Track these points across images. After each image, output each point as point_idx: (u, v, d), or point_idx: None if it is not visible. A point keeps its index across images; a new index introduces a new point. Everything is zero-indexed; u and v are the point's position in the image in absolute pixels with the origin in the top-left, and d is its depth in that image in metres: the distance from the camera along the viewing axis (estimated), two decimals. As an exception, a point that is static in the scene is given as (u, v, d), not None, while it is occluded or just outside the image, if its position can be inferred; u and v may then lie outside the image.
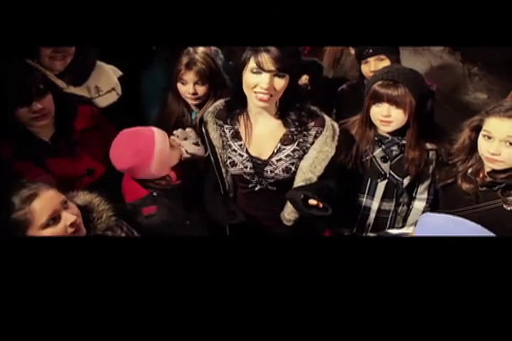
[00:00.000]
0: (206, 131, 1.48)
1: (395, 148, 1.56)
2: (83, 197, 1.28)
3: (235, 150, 1.46)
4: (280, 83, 1.28)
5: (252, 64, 1.27)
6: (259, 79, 1.27)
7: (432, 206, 1.61)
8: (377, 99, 1.49)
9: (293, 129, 1.40)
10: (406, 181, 1.58)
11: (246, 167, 1.44)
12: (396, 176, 1.58)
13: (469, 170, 1.45)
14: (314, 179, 1.40)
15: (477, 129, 1.40)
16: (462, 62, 3.31)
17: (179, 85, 1.81)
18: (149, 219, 1.46)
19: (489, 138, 1.34)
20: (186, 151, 1.66)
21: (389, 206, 1.63)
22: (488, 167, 1.39)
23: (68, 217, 1.13)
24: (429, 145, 1.54)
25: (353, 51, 2.20)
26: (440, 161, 1.54)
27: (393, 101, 1.46)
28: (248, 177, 1.46)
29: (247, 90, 1.32)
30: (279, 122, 1.42)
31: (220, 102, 1.49)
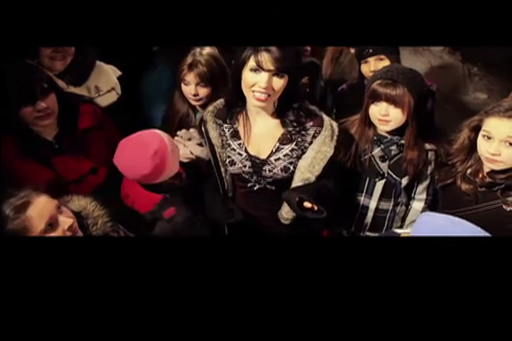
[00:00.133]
0: (206, 130, 1.48)
1: (393, 147, 1.57)
2: (77, 202, 1.24)
3: (234, 149, 1.46)
4: (279, 83, 1.29)
5: (251, 63, 1.27)
6: (258, 78, 1.27)
7: (431, 207, 1.61)
8: (376, 97, 1.49)
9: (291, 129, 1.40)
10: (404, 181, 1.58)
11: (245, 166, 1.44)
12: (394, 176, 1.58)
13: (468, 171, 1.45)
14: (312, 179, 1.40)
15: (476, 129, 1.39)
16: (462, 62, 3.31)
17: (182, 85, 1.81)
18: (172, 221, 1.47)
19: (489, 138, 1.34)
20: (191, 152, 1.65)
21: (387, 205, 1.63)
22: (488, 167, 1.39)
23: (65, 221, 1.11)
24: (428, 146, 1.54)
25: (352, 50, 2.20)
26: (439, 162, 1.54)
27: (392, 101, 1.46)
28: (247, 177, 1.46)
29: (245, 89, 1.32)
30: (277, 122, 1.42)
31: (219, 101, 1.50)
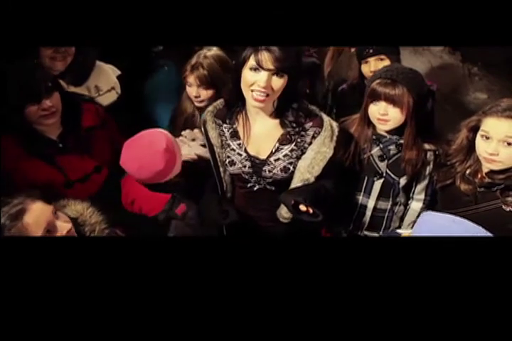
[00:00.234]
0: (205, 130, 1.48)
1: (392, 147, 1.57)
2: (74, 207, 1.23)
3: (233, 150, 1.46)
4: (278, 83, 1.28)
5: (251, 62, 1.27)
6: (258, 78, 1.27)
7: (429, 207, 1.61)
8: (375, 97, 1.49)
9: (290, 130, 1.40)
10: (403, 181, 1.59)
11: (245, 166, 1.44)
12: (393, 175, 1.59)
13: (467, 171, 1.44)
14: (312, 179, 1.40)
15: (475, 129, 1.39)
16: (462, 62, 3.30)
17: (186, 86, 1.81)
18: (186, 217, 1.48)
19: (487, 138, 1.34)
20: (195, 153, 1.65)
21: (385, 205, 1.63)
22: (487, 167, 1.39)
23: (63, 226, 1.11)
24: (427, 146, 1.54)
25: (352, 50, 2.20)
26: (438, 162, 1.54)
27: (391, 100, 1.47)
28: (247, 177, 1.46)
29: (244, 88, 1.32)
30: (276, 122, 1.42)
31: (219, 101, 1.50)
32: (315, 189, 1.37)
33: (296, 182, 1.41)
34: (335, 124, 1.41)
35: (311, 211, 1.31)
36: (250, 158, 1.44)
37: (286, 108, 1.39)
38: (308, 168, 1.39)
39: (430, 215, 1.16)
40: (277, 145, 1.41)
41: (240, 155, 1.44)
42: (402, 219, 1.67)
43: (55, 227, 1.10)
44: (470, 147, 1.42)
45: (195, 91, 1.79)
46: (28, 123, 1.47)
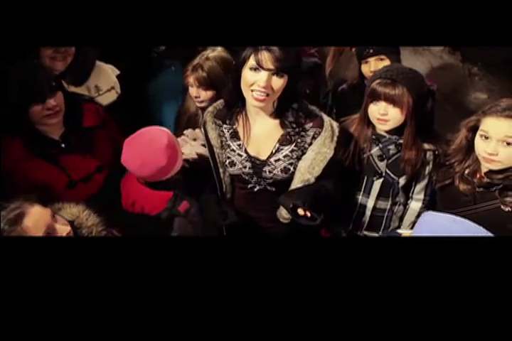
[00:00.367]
0: (205, 130, 1.48)
1: (392, 147, 1.57)
2: (69, 210, 1.22)
3: (233, 150, 1.45)
4: (278, 83, 1.28)
5: (251, 61, 1.26)
6: (258, 77, 1.27)
7: (428, 207, 1.61)
8: (375, 97, 1.49)
9: (290, 130, 1.40)
10: (402, 181, 1.59)
11: (245, 167, 1.44)
12: (392, 175, 1.59)
13: (466, 171, 1.44)
14: (312, 180, 1.40)
15: (474, 129, 1.39)
16: (462, 62, 3.31)
17: (188, 86, 1.82)
18: (188, 214, 1.48)
19: (486, 138, 1.34)
20: (196, 152, 1.65)
21: (384, 205, 1.63)
22: (486, 167, 1.39)
23: (62, 229, 1.11)
24: (426, 146, 1.55)
25: (353, 50, 2.20)
26: (438, 162, 1.54)
27: (390, 100, 1.47)
28: (247, 178, 1.46)
29: (244, 88, 1.32)
30: (276, 122, 1.41)
31: (219, 102, 1.50)
32: (315, 190, 1.37)
33: (296, 183, 1.41)
34: (335, 125, 1.41)
35: (309, 215, 1.31)
36: (250, 158, 1.43)
37: (286, 108, 1.38)
38: (308, 169, 1.39)
39: (431, 215, 1.16)
40: (277, 145, 1.41)
41: (240, 155, 1.44)
42: (401, 218, 1.67)
43: (54, 230, 1.10)
44: (469, 147, 1.42)
45: (195, 91, 1.79)
46: (31, 123, 1.47)
